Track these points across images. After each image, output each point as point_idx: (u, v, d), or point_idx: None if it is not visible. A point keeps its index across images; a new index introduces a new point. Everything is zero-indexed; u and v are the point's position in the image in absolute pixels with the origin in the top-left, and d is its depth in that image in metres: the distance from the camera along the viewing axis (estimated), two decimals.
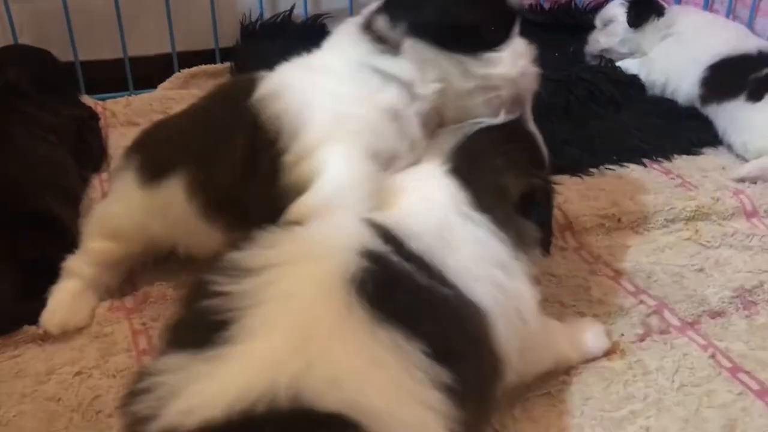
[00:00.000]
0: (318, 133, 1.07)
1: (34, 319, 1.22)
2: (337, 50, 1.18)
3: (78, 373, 1.16)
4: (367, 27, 1.13)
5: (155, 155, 1.26)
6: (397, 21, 1.10)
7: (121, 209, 1.28)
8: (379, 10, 1.14)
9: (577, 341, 1.18)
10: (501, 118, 1.11)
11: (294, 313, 0.77)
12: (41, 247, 1.31)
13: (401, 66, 1.11)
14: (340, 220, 0.95)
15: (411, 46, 1.10)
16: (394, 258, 0.88)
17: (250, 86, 1.16)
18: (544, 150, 1.15)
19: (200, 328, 0.77)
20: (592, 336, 1.20)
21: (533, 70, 1.15)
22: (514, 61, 1.12)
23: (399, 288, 0.85)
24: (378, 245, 0.89)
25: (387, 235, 0.91)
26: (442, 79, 1.12)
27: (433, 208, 1.00)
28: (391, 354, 0.76)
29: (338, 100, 1.10)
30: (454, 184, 1.03)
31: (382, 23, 1.11)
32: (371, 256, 0.85)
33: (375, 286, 0.80)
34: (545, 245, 1.10)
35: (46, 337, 1.22)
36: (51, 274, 1.33)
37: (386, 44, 1.11)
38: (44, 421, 1.08)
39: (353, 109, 1.09)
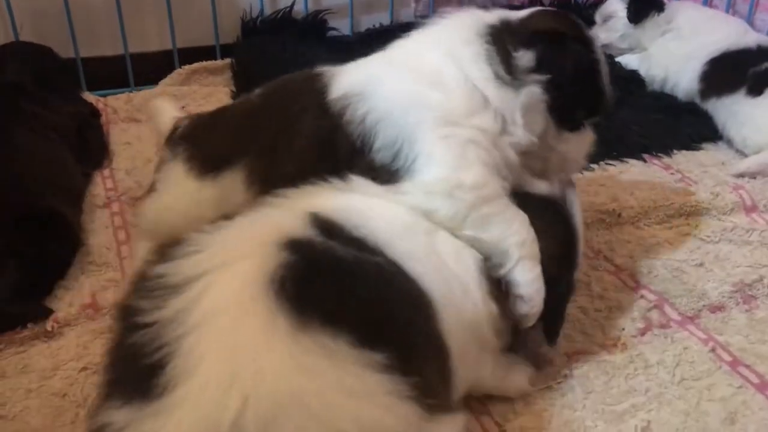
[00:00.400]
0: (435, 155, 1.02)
1: (38, 317, 1.23)
2: (449, 59, 1.07)
3: (83, 369, 1.17)
4: (497, 46, 1.07)
5: (209, 147, 1.22)
6: (541, 68, 1.06)
7: (173, 202, 1.24)
8: (522, 43, 1.07)
9: (501, 371, 1.09)
10: (549, 189, 1.11)
11: (221, 337, 0.73)
12: (44, 245, 1.32)
13: (511, 105, 1.06)
14: (269, 211, 0.91)
15: (533, 95, 1.07)
16: (318, 240, 0.83)
17: (317, 80, 1.12)
18: (576, 238, 1.11)
19: (137, 373, 0.73)
20: (515, 374, 1.12)
21: (583, 162, 1.21)
22: (578, 147, 1.17)
23: (321, 272, 0.80)
24: (304, 232, 0.84)
25: (319, 220, 0.87)
26: (537, 135, 1.09)
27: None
28: (322, 359, 0.72)
29: (449, 117, 1.03)
30: None
31: (525, 60, 1.06)
32: (293, 245, 0.81)
33: (294, 282, 0.76)
34: (551, 335, 1.12)
35: (50, 335, 1.23)
36: (54, 272, 1.34)
37: (511, 77, 1.06)
38: (50, 416, 1.08)
39: (463, 125, 1.03)
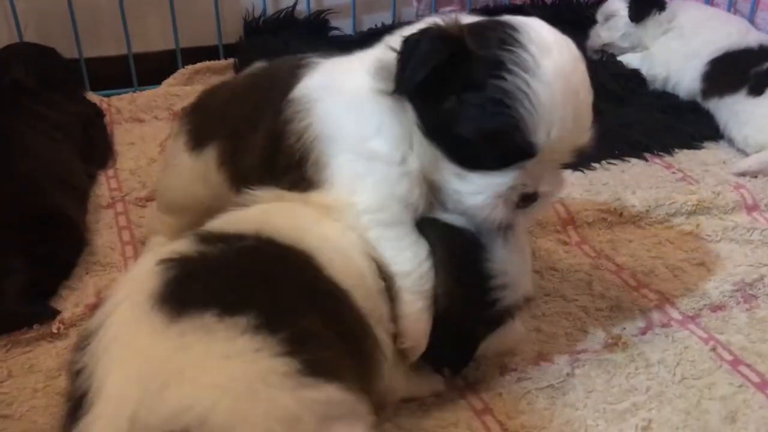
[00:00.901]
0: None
1: (45, 318, 1.24)
2: (363, 80, 1.02)
3: None
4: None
5: (201, 122, 1.26)
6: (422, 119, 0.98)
7: (173, 178, 1.31)
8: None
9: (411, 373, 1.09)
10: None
11: (120, 354, 0.81)
12: (50, 245, 1.32)
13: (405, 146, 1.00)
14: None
15: (421, 143, 0.99)
16: (193, 249, 0.91)
17: (293, 76, 1.09)
18: (488, 275, 1.03)
19: (72, 408, 0.81)
20: (423, 376, 1.12)
21: (502, 214, 0.99)
22: (483, 203, 0.98)
23: (189, 271, 0.88)
24: (185, 246, 0.92)
25: (202, 234, 0.95)
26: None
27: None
28: (196, 336, 0.79)
29: (356, 143, 1.01)
30: None
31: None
32: (171, 262, 0.88)
33: (168, 287, 0.84)
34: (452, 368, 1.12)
35: (56, 335, 1.23)
36: (59, 272, 1.35)
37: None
38: (56, 415, 1.09)
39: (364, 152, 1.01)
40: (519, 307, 1.08)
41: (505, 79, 0.90)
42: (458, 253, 1.03)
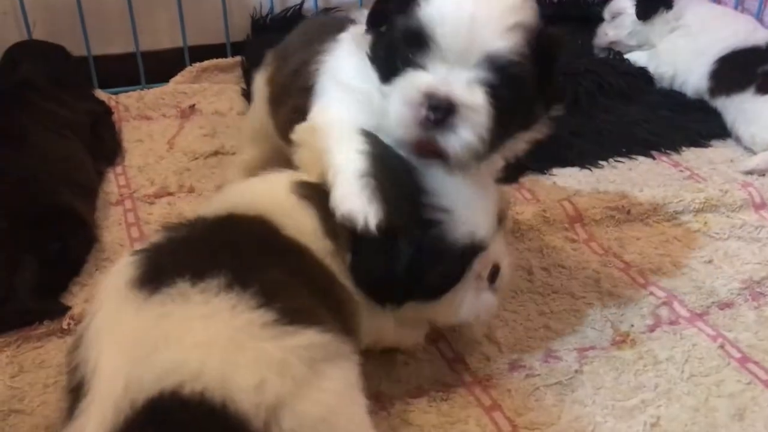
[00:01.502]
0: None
1: (56, 314, 1.25)
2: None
3: None
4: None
5: (277, 53, 1.39)
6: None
7: (254, 109, 1.48)
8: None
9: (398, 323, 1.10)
10: None
11: (108, 337, 0.84)
12: (61, 241, 1.33)
13: None
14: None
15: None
16: (166, 234, 0.96)
17: (336, 29, 1.21)
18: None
19: (73, 398, 0.84)
20: (407, 327, 1.14)
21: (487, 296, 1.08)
22: (460, 303, 1.06)
23: (159, 252, 0.92)
24: (155, 237, 0.97)
25: (171, 224, 1.00)
26: None
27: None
28: (173, 305, 0.82)
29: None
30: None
31: None
32: (145, 249, 0.92)
33: (141, 269, 0.87)
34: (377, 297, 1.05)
35: (66, 332, 1.24)
36: (70, 269, 1.36)
37: None
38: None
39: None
40: (473, 251, 1.03)
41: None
42: (392, 163, 1.02)
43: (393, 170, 1.01)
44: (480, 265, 1.05)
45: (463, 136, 0.96)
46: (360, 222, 0.96)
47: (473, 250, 1.03)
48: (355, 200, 0.97)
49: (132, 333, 0.82)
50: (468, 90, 0.95)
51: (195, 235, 0.96)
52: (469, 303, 1.06)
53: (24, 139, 1.47)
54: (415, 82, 0.97)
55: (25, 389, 1.14)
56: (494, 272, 1.08)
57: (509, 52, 0.95)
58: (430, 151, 0.99)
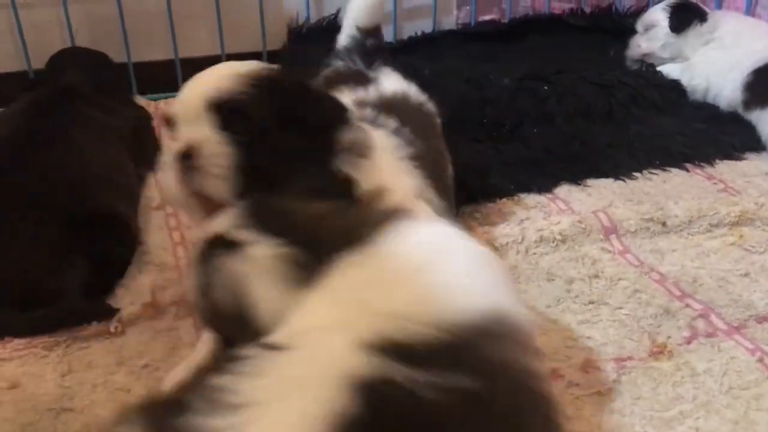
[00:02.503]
0: None
1: (105, 315, 1.28)
2: None
3: (145, 366, 1.21)
4: None
5: None
6: None
7: None
8: None
9: None
10: None
11: None
12: (107, 244, 1.36)
13: None
14: (330, 338, 0.78)
15: None
16: (394, 378, 0.71)
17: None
18: None
19: None
20: None
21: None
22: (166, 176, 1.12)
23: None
24: (381, 370, 0.72)
25: (390, 343, 0.74)
26: None
27: None
28: None
29: None
30: None
31: None
32: (364, 386, 0.70)
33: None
34: None
35: (113, 333, 1.27)
36: (116, 271, 1.39)
37: None
38: (116, 409, 1.12)
39: None
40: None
41: None
42: None
43: None
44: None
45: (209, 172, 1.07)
46: None
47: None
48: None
49: None
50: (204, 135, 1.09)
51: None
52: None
53: (71, 145, 1.51)
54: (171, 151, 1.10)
55: (75, 388, 1.16)
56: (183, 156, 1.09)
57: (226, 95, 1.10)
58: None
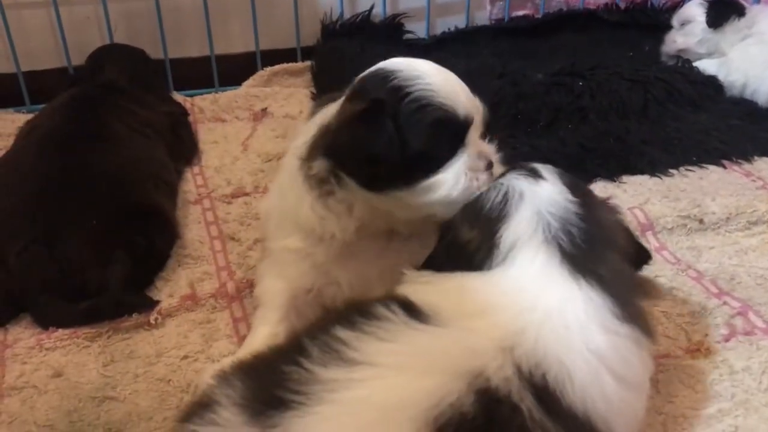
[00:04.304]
0: None
1: (146, 308, 1.30)
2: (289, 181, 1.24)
3: (185, 357, 1.23)
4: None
5: None
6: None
7: None
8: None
9: None
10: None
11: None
12: (148, 237, 1.39)
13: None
14: (471, 336, 0.83)
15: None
16: (513, 398, 0.77)
17: None
18: None
19: (267, 396, 0.76)
20: None
21: (484, 177, 1.11)
22: (456, 180, 1.09)
23: None
24: (502, 378, 0.78)
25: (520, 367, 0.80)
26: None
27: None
28: None
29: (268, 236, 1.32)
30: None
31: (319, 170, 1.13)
32: (481, 393, 0.76)
33: None
34: None
35: (153, 325, 1.30)
36: (156, 264, 1.42)
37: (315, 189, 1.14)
38: (157, 399, 1.15)
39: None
40: (456, 125, 1.09)
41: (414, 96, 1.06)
42: None
43: None
44: (473, 150, 1.10)
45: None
46: None
47: (456, 124, 1.08)
48: None
49: None
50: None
51: None
52: (464, 182, 1.08)
53: (113, 140, 1.54)
54: (466, 158, 1.10)
55: (117, 378, 1.19)
56: (489, 165, 1.13)
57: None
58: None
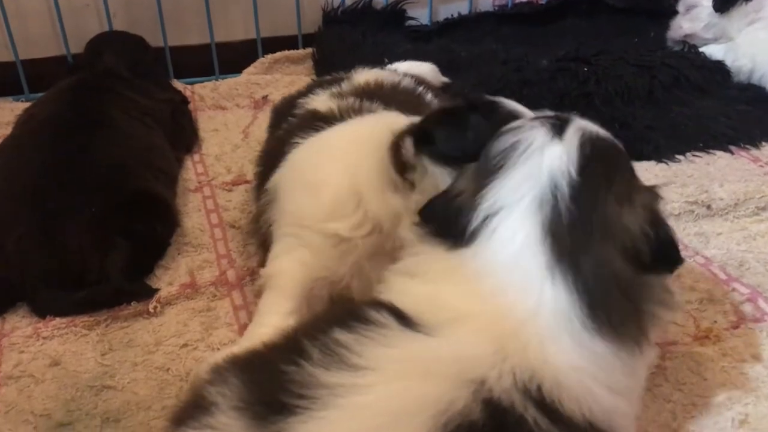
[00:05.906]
0: None
1: (145, 296, 1.29)
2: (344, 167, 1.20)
3: (184, 345, 1.21)
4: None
5: None
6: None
7: None
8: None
9: None
10: None
11: None
12: (147, 225, 1.37)
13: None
14: (471, 336, 0.79)
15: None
16: (516, 410, 0.74)
17: None
18: None
19: (267, 399, 0.73)
20: None
21: None
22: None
23: None
24: (503, 389, 0.74)
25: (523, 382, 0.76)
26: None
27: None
28: None
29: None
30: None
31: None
32: (488, 402, 0.73)
33: None
34: None
35: (151, 313, 1.28)
36: (156, 252, 1.40)
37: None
38: (156, 388, 1.13)
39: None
40: None
41: None
42: None
43: None
44: None
45: None
46: None
47: None
48: None
49: None
50: None
51: None
52: None
53: (112, 128, 1.52)
54: None
55: (115, 367, 1.17)
56: None
57: None
58: None
